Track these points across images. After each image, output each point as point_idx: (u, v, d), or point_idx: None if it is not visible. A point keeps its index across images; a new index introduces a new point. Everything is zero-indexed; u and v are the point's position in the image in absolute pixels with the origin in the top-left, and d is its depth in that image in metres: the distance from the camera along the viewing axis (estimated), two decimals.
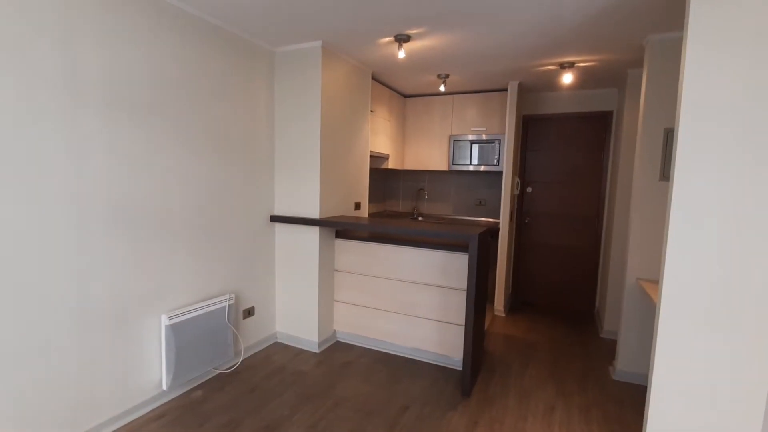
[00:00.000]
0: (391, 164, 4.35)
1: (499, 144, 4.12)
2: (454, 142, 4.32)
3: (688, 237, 1.66)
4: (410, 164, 4.61)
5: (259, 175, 2.96)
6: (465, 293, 2.79)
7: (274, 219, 3.09)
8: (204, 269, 2.56)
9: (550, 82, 3.84)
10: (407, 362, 2.96)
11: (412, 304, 2.98)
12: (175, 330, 2.26)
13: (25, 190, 1.69)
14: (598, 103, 4.09)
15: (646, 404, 1.80)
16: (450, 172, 4.76)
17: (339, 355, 3.04)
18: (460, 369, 2.87)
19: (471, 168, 4.28)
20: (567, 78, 3.33)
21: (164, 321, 2.23)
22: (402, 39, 2.73)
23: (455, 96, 4.31)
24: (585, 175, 4.23)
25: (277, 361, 2.89)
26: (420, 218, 4.69)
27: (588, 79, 3.70)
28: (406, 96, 4.56)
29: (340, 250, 3.20)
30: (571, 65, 3.26)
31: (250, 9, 2.33)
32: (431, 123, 4.47)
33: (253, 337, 3.02)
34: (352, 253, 3.16)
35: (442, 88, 3.81)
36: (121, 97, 2.01)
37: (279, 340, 3.23)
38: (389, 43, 2.84)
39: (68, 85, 1.80)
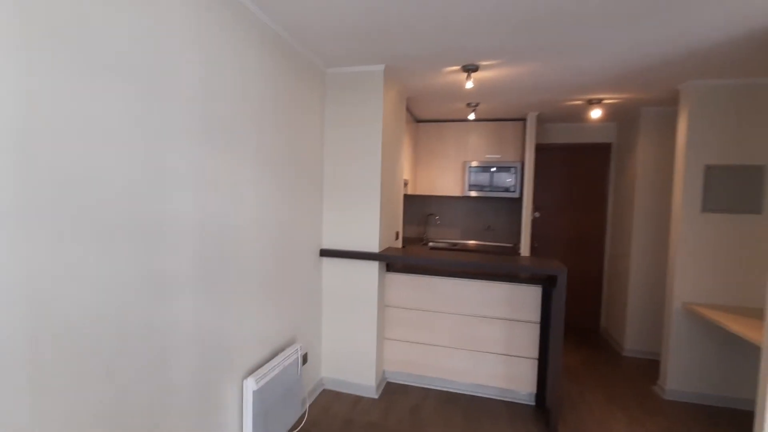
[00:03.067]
0: (408, 189, 4.25)
1: (516, 171, 4.23)
2: (469, 168, 4.36)
3: None
4: (423, 189, 4.54)
5: (309, 205, 2.67)
6: (533, 325, 2.76)
7: (325, 253, 2.81)
8: (271, 315, 2.21)
9: (565, 115, 4.06)
10: (474, 400, 2.83)
11: (474, 339, 2.87)
12: (261, 394, 1.91)
13: (97, 226, 1.32)
14: (597, 136, 4.42)
15: (759, 424, 1.88)
16: (458, 198, 4.78)
17: (400, 399, 2.81)
18: (530, 403, 2.82)
19: (485, 194, 4.33)
20: (596, 113, 3.55)
21: (250, 386, 1.87)
22: (471, 69, 2.69)
23: (469, 123, 4.37)
24: (587, 201, 4.51)
25: (340, 413, 2.59)
26: (430, 244, 4.63)
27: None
28: (418, 121, 4.52)
29: (392, 284, 3.00)
30: (598, 101, 3.49)
31: (326, 22, 2.09)
32: (445, 149, 4.47)
33: (306, 386, 2.68)
34: (406, 287, 2.98)
35: (471, 116, 3.84)
36: (208, 113, 1.69)
37: (327, 387, 2.91)
38: (455, 71, 2.78)
39: (156, 98, 1.46)
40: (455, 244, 4.61)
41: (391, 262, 2.77)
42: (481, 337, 2.86)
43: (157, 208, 1.41)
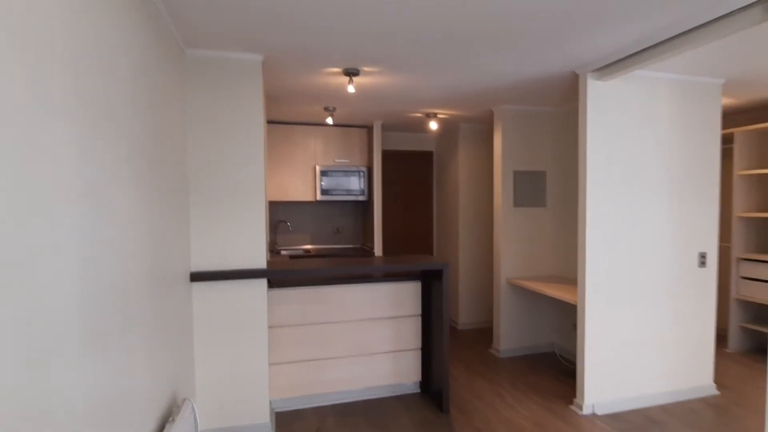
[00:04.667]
0: None
1: (363, 175, 4.45)
2: (320, 172, 4.32)
3: (598, 244, 2.60)
4: (273, 195, 4.22)
5: (176, 219, 2.11)
6: (415, 318, 2.99)
7: (197, 278, 2.28)
8: (153, 367, 1.65)
9: (403, 125, 4.52)
10: (370, 404, 2.84)
11: (362, 343, 2.88)
12: None
13: None
14: (421, 145, 5.12)
15: (580, 364, 2.65)
16: (308, 203, 4.65)
17: (300, 426, 2.56)
18: (416, 391, 3.03)
19: (335, 198, 4.39)
20: (433, 125, 4.09)
21: None
22: (352, 73, 2.68)
23: (317, 127, 4.32)
24: (416, 201, 5.16)
25: None
26: (282, 252, 4.36)
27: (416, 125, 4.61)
28: (267, 122, 4.16)
29: (275, 302, 2.69)
30: (434, 115, 4.05)
31: None
32: (293, 152, 4.28)
33: None
34: (291, 302, 2.72)
35: (329, 121, 3.80)
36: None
37: None
38: (335, 74, 2.71)
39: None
40: (308, 250, 4.49)
41: (282, 277, 2.48)
42: (369, 339, 2.90)
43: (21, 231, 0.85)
